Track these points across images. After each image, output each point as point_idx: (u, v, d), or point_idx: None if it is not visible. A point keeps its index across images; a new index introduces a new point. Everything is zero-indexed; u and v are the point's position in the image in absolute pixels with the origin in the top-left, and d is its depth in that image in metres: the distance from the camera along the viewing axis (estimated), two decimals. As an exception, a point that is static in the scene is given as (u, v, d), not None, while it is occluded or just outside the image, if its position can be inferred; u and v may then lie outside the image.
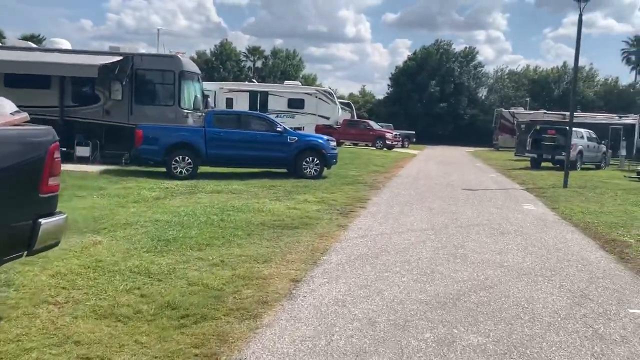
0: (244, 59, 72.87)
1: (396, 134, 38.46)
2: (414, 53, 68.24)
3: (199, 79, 17.71)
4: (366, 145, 36.99)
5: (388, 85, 69.19)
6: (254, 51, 72.66)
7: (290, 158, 14.49)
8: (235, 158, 14.20)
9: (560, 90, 64.67)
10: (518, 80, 67.97)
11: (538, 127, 25.08)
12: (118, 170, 14.54)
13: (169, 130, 13.98)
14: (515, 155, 32.91)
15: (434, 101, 62.48)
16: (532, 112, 48.48)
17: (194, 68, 17.26)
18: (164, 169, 13.97)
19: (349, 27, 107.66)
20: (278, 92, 31.58)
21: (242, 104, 30.73)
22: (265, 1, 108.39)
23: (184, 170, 13.70)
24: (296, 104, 31.17)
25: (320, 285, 5.34)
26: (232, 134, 14.17)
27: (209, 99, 19.42)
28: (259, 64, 73.48)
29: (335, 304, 4.81)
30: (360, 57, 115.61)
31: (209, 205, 9.57)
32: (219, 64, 68.74)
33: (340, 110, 32.37)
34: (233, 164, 14.48)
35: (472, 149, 46.73)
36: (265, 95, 31.22)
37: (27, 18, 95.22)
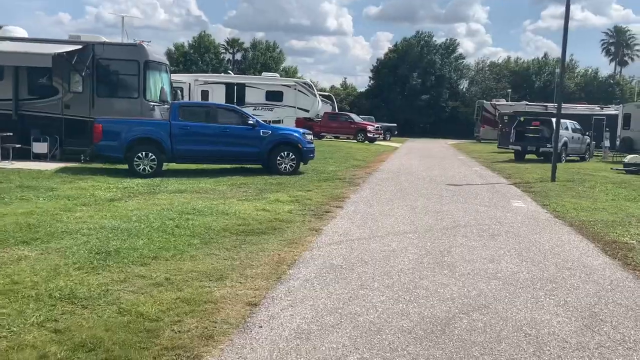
0: (223, 51, 71.38)
1: (378, 127, 37.69)
2: (395, 45, 67.55)
3: (167, 70, 16.60)
4: (347, 138, 36.19)
5: (369, 77, 68.52)
6: (233, 43, 71.24)
7: (264, 153, 13.52)
8: (204, 154, 13.19)
9: (541, 82, 64.55)
10: (499, 72, 67.61)
11: (522, 119, 24.44)
12: (77, 168, 13.44)
13: (130, 124, 12.89)
14: (498, 147, 32.37)
15: (415, 93, 61.87)
16: (513, 103, 48.04)
17: (161, 58, 16.15)
18: (127, 166, 12.92)
19: (331, 20, 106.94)
20: (256, 84, 30.47)
21: (218, 97, 29.56)
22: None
23: (147, 168, 12.66)
24: (275, 97, 30.11)
25: (282, 309, 4.43)
26: (200, 128, 13.15)
27: (179, 91, 18.25)
28: (238, 56, 72.17)
29: (297, 336, 3.91)
30: (341, 50, 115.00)
31: (167, 208, 8.59)
32: (198, 56, 67.17)
33: (320, 102, 31.41)
34: (201, 160, 13.47)
35: (454, 142, 46.19)
36: (242, 87, 30.10)
37: (3, 10, 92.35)
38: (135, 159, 12.62)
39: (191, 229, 7.16)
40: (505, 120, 32.14)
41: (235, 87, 30.04)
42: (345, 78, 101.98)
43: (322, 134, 36.99)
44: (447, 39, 68.45)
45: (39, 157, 14.51)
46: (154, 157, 12.69)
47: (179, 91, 18.18)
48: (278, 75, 33.93)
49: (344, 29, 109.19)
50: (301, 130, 14.65)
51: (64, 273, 5.06)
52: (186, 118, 13.11)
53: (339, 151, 24.31)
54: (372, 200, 10.49)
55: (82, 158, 13.34)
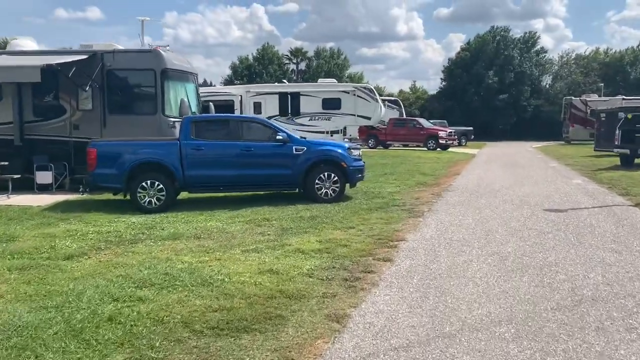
0: (287, 61, 69.75)
1: (451, 132, 33.87)
2: (468, 43, 62.91)
3: (192, 79, 14.15)
4: (417, 146, 32.70)
5: (441, 79, 64.18)
6: (296, 53, 69.38)
7: (298, 176, 10.61)
8: (223, 180, 10.46)
9: (637, 73, 57.47)
10: (587, 65, 61.00)
11: (629, 116, 19.97)
12: (75, 203, 11.16)
13: (131, 147, 10.39)
14: (595, 149, 27.58)
15: (492, 93, 56.97)
16: (607, 98, 42.42)
17: (183, 65, 13.67)
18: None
19: (401, 25, 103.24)
20: (311, 92, 27.75)
21: (271, 108, 27.20)
22: (316, 6, 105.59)
23: (154, 200, 10.11)
24: (332, 104, 27.24)
25: None
26: (217, 148, 10.47)
27: (211, 104, 15.76)
28: (302, 65, 70.22)
29: None
30: (413, 55, 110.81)
31: (127, 275, 5.82)
32: (262, 68, 66.00)
33: (382, 108, 28.16)
34: (220, 187, 10.72)
35: (539, 144, 41.28)
36: (296, 96, 27.48)
37: (87, 37, 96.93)
38: (138, 189, 10.11)
39: (130, 326, 4.34)
40: (603, 119, 27.31)
41: (289, 96, 27.47)
42: (414, 81, 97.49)
43: (388, 142, 33.77)
44: (525, 32, 62.87)
45: (45, 188, 12.45)
46: (161, 186, 10.12)
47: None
48: (335, 80, 31.02)
49: (414, 33, 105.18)
50: (347, 144, 11.54)
51: None
52: (200, 136, 10.44)
53: (403, 163, 20.97)
54: (439, 245, 7.24)
55: (80, 190, 11.02)
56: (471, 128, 43.10)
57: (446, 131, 33.39)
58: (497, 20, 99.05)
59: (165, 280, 5.58)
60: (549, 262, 6.33)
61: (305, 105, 27.25)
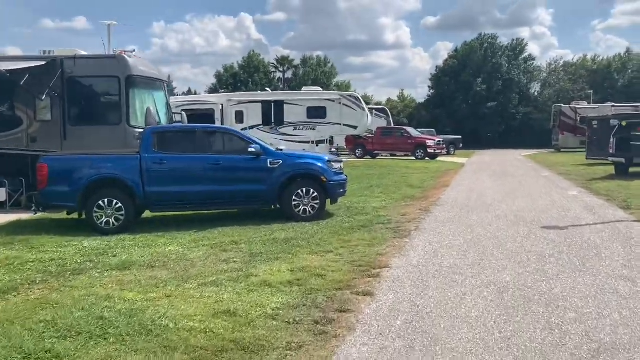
0: (273, 70, 68.94)
1: (439, 141, 33.13)
2: (456, 50, 62.49)
3: (160, 87, 13.18)
4: (405, 156, 31.91)
5: (429, 87, 63.64)
6: (283, 61, 68.62)
7: (274, 191, 9.67)
8: (189, 197, 9.49)
9: (625, 80, 57.32)
10: (575, 72, 60.76)
11: (624, 123, 19.29)
12: (29, 223, 10.13)
13: (86, 161, 9.39)
14: (587, 158, 26.97)
15: (480, 101, 56.53)
16: (597, 105, 42.00)
17: (150, 71, 12.69)
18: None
19: (389, 34, 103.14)
20: (295, 100, 26.84)
21: (253, 117, 26.28)
22: (304, 15, 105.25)
23: (111, 221, 9.10)
24: (317, 113, 26.35)
25: None
26: (183, 161, 9.52)
27: (184, 114, 14.75)
28: (289, 74, 69.46)
29: None
30: (401, 63, 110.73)
31: (55, 319, 4.81)
32: (247, 76, 65.10)
33: (369, 117, 27.31)
34: (186, 206, 9.74)
35: (529, 152, 40.70)
36: (280, 105, 26.55)
37: (74, 45, 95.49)
38: (95, 208, 9.10)
39: (28, 400, 3.36)
40: (595, 126, 26.70)
41: (273, 105, 26.54)
42: (402, 89, 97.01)
43: (376, 152, 32.95)
44: (513, 40, 62.58)
45: (-1, 206, 11.38)
46: (119, 205, 9.11)
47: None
48: (320, 89, 30.14)
49: (402, 42, 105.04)
50: (326, 156, 10.59)
51: None
52: (163, 149, 9.46)
53: (391, 174, 20.12)
54: (427, 274, 6.31)
55: (33, 209, 10.00)
56: (459, 137, 42.43)
57: (434, 140, 32.65)
58: (484, 29, 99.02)
59: (97, 327, 4.60)
60: (554, 295, 5.43)
61: (289, 114, 26.34)
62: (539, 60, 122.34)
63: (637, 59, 58.52)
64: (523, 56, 61.04)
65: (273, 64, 68.57)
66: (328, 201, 10.17)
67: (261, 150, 9.60)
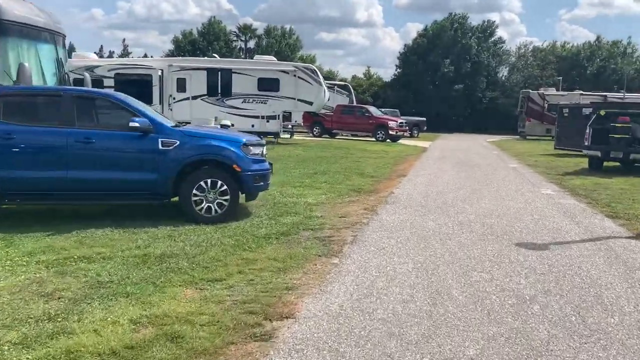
0: (235, 39, 65.33)
1: (402, 122, 31.04)
2: (425, 29, 60.27)
3: (49, 39, 10.34)
4: (366, 137, 29.76)
5: (396, 66, 61.34)
6: (245, 30, 65.04)
7: (166, 182, 7.20)
8: (47, 185, 6.94)
9: (594, 68, 56.41)
10: (544, 57, 59.55)
11: (603, 112, 17.43)
12: None
13: None
14: (555, 147, 25.36)
15: (448, 83, 54.73)
16: (566, 93, 40.68)
17: (33, 17, 9.85)
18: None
19: (361, 11, 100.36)
20: (245, 69, 24.05)
21: (197, 86, 23.42)
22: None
23: None
24: (269, 85, 23.66)
25: None
26: (39, 135, 6.93)
27: (86, 75, 11.82)
28: (251, 44, 65.95)
29: None
30: (372, 42, 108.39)
31: None
32: (207, 44, 61.40)
33: (326, 92, 24.80)
34: (43, 197, 7.17)
35: (494, 138, 39.20)
36: (228, 73, 23.70)
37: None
38: None
39: None
40: (565, 114, 25.01)
41: (220, 73, 23.71)
42: (369, 67, 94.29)
43: (335, 131, 30.65)
44: (484, 21, 60.83)
45: None
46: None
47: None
48: (274, 58, 27.37)
49: (374, 20, 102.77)
50: (244, 138, 8.02)
51: None
52: (12, 118, 6.84)
53: (344, 157, 17.84)
54: (348, 334, 4.01)
55: None
56: (424, 119, 40.49)
57: (397, 121, 30.52)
58: (455, 12, 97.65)
59: None
60: (549, 396, 3.23)
61: (238, 84, 23.56)
62: (508, 45, 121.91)
63: (606, 47, 57.63)
64: (493, 39, 59.39)
65: (235, 32, 64.97)
66: (244, 196, 7.78)
67: (149, 126, 7.05)
